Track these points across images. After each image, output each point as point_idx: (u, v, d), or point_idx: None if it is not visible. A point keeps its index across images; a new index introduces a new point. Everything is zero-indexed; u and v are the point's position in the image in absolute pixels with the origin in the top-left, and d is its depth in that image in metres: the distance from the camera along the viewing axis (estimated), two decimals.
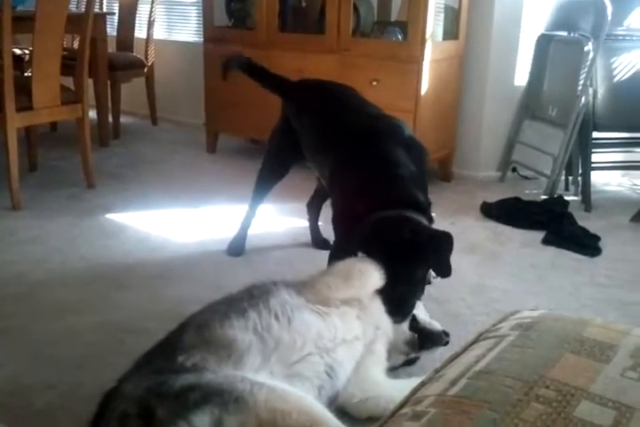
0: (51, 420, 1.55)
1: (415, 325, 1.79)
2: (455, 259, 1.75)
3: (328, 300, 1.58)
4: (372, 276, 1.64)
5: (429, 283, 1.97)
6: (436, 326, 1.84)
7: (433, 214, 1.93)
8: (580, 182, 3.38)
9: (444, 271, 1.80)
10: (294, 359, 1.40)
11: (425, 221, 1.83)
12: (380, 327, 1.67)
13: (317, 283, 1.62)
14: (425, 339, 1.77)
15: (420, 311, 1.87)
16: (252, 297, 1.49)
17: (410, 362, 1.82)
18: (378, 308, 1.69)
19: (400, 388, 1.51)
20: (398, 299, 1.71)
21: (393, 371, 1.75)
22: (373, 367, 1.62)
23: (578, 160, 3.40)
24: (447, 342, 1.81)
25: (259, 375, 1.28)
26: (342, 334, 1.53)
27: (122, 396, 1.18)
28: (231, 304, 1.46)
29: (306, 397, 1.24)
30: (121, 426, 1.12)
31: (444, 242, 1.78)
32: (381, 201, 1.84)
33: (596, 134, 3.28)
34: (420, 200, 1.87)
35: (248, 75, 2.51)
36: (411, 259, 1.73)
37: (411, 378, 1.66)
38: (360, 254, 1.79)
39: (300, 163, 2.39)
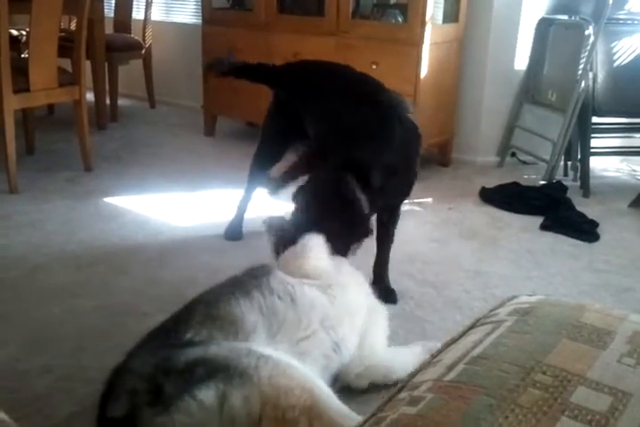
0: (50, 403, 1.56)
1: None
2: (453, 244, 1.74)
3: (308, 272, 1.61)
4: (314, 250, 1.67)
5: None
6: None
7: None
8: (579, 168, 3.38)
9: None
10: (300, 337, 1.43)
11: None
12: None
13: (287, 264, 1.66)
14: None
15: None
16: (255, 278, 1.51)
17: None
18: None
19: (399, 356, 1.60)
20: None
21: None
22: (373, 335, 1.65)
23: (577, 145, 3.39)
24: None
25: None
26: (346, 308, 1.56)
27: (130, 372, 1.21)
28: (236, 285, 1.48)
29: (309, 373, 1.27)
30: (131, 401, 1.14)
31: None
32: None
33: (595, 119, 3.27)
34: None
35: (235, 77, 2.50)
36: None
37: (409, 346, 1.72)
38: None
39: (296, 146, 2.38)
